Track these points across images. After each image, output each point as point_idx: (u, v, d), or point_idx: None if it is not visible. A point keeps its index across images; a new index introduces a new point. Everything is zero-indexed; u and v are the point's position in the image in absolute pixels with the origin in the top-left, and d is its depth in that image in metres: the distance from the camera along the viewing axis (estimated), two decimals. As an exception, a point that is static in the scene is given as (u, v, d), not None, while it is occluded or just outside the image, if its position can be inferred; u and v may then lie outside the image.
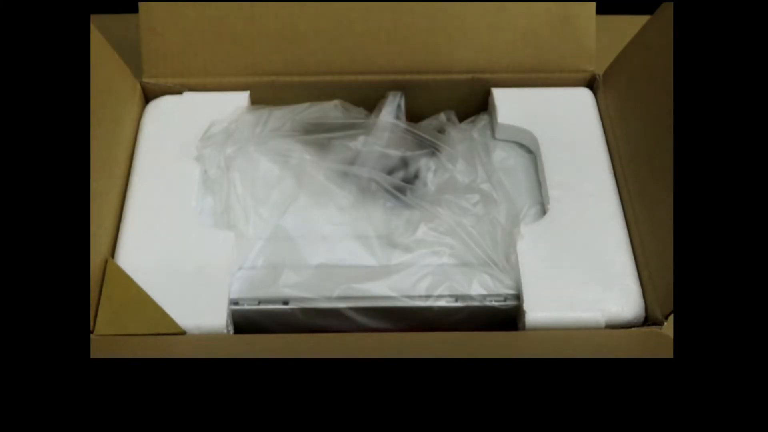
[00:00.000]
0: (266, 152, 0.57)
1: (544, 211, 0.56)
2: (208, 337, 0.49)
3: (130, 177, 0.57)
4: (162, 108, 0.61)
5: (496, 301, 0.52)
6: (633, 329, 0.51)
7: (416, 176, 0.57)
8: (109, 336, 0.48)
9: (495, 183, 0.56)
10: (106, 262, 0.52)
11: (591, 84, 0.63)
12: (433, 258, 0.53)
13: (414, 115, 0.61)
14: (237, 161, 0.56)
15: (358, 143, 0.57)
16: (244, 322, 0.52)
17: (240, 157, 0.56)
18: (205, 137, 0.57)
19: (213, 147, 0.57)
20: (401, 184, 0.56)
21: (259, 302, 0.52)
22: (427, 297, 0.52)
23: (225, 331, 0.50)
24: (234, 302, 0.51)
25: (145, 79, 0.61)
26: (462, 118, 0.62)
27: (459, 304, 0.52)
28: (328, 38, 0.60)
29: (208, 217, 0.56)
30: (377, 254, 0.54)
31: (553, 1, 0.60)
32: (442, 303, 0.52)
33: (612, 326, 0.51)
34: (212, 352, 0.48)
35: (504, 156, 0.61)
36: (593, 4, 0.61)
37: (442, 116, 0.61)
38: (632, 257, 0.53)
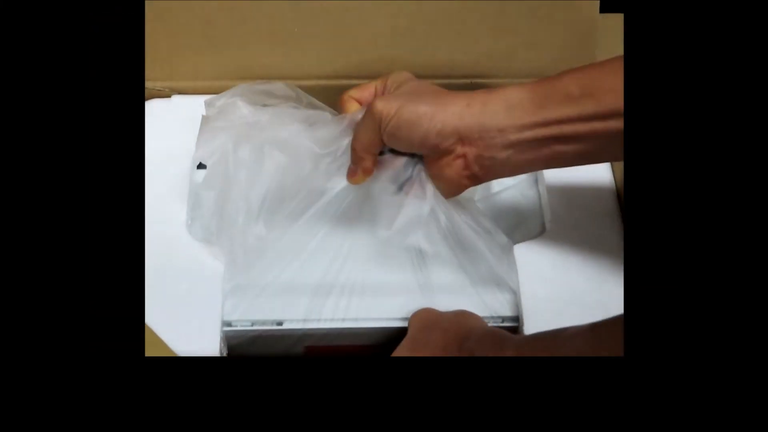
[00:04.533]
0: (260, 161, 0.55)
1: (543, 228, 0.55)
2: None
3: (118, 187, 0.55)
4: (150, 112, 0.59)
5: (494, 322, 0.51)
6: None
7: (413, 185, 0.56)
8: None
9: (495, 200, 0.55)
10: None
11: (592, 89, 0.61)
12: (431, 278, 0.52)
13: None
14: (229, 173, 0.54)
15: None
16: (238, 344, 0.51)
17: (233, 169, 0.54)
18: (197, 142, 0.55)
19: (204, 153, 0.54)
20: (399, 197, 0.54)
21: (253, 324, 0.50)
22: (425, 317, 0.51)
23: (218, 354, 0.49)
24: (227, 323, 0.50)
25: (132, 82, 0.59)
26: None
27: (457, 324, 0.51)
28: (322, 42, 0.58)
29: (198, 229, 0.54)
30: (374, 274, 0.53)
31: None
32: (439, 323, 0.51)
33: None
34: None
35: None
36: (595, 5, 0.59)
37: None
38: (633, 276, 0.52)
